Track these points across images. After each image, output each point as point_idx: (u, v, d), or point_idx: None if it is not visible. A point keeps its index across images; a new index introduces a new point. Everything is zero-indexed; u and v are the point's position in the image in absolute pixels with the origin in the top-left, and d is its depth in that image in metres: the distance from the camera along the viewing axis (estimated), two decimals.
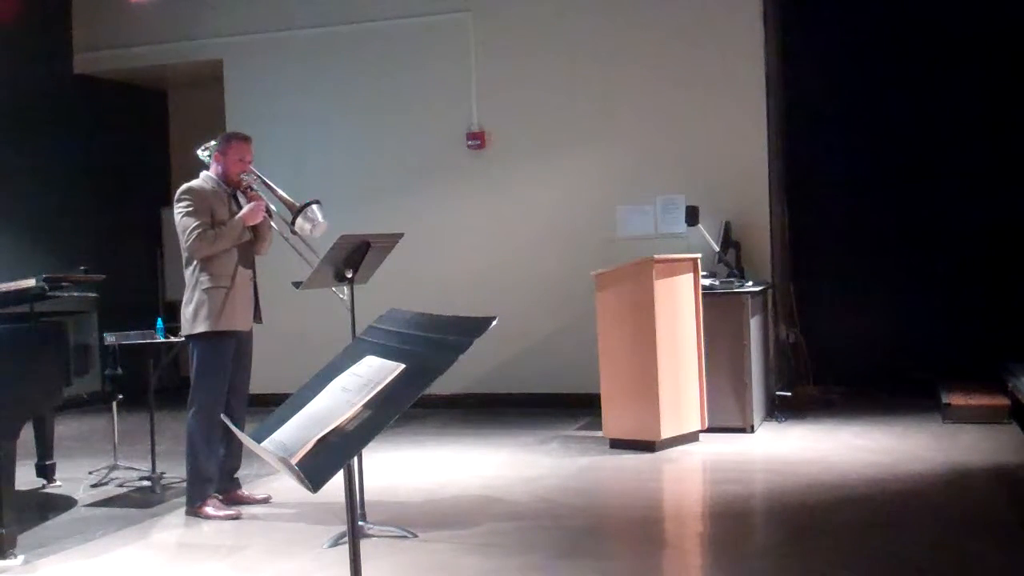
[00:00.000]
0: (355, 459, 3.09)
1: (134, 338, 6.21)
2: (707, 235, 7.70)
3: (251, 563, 4.68)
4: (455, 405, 8.66)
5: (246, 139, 5.66)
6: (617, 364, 6.82)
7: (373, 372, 2.48)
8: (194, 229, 5.35)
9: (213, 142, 5.72)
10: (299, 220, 5.37)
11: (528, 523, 5.13)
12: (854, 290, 9.08)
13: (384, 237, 5.22)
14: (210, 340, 5.41)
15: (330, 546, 4.77)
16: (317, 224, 5.38)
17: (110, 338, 6.20)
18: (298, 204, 5.39)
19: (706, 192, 8.08)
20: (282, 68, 9.50)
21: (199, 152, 5.85)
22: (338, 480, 2.39)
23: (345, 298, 5.25)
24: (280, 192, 5.52)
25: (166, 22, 9.74)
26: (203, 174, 5.63)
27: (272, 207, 5.56)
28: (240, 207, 5.59)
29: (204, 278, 5.41)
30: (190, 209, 5.41)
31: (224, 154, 5.57)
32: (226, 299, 5.41)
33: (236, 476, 5.76)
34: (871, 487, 5.63)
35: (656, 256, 6.78)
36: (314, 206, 5.39)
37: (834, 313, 9.01)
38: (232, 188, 5.58)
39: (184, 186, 5.54)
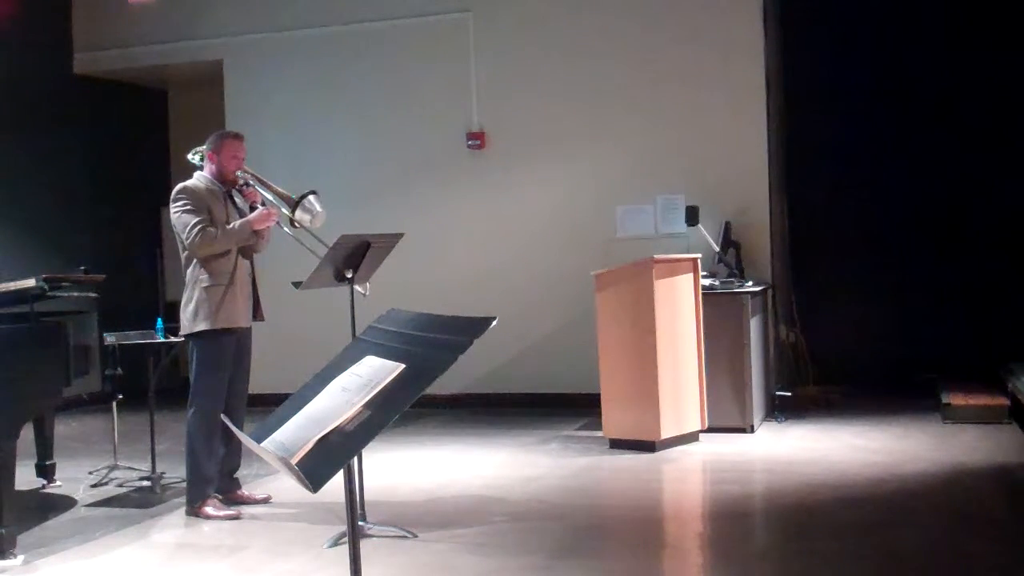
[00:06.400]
0: (355, 459, 3.09)
1: (134, 338, 6.21)
2: (707, 235, 7.70)
3: (251, 563, 4.68)
4: (455, 405, 8.66)
5: (238, 136, 5.65)
6: (617, 364, 6.82)
7: (373, 372, 2.48)
8: (195, 226, 5.33)
9: (202, 146, 5.71)
10: (298, 212, 5.35)
11: (528, 523, 5.13)
12: (854, 290, 9.08)
13: (384, 237, 5.22)
14: (210, 339, 5.40)
15: (330, 546, 4.77)
16: (316, 214, 5.36)
17: (110, 338, 6.19)
18: (295, 196, 5.39)
19: (706, 192, 8.08)
20: (282, 68, 9.50)
21: (190, 156, 5.85)
22: (338, 480, 2.39)
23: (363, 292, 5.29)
24: (276, 187, 5.51)
25: (166, 22, 9.75)
26: (197, 174, 5.62)
27: (270, 200, 5.55)
28: (236, 206, 5.58)
29: (204, 276, 5.39)
30: (188, 207, 5.39)
31: (218, 153, 5.55)
32: (226, 296, 5.40)
33: (236, 476, 5.76)
34: (871, 487, 5.63)
35: (656, 256, 6.78)
36: (311, 196, 5.36)
37: (834, 313, 9.01)
38: (228, 187, 5.57)
39: (179, 185, 5.52)
